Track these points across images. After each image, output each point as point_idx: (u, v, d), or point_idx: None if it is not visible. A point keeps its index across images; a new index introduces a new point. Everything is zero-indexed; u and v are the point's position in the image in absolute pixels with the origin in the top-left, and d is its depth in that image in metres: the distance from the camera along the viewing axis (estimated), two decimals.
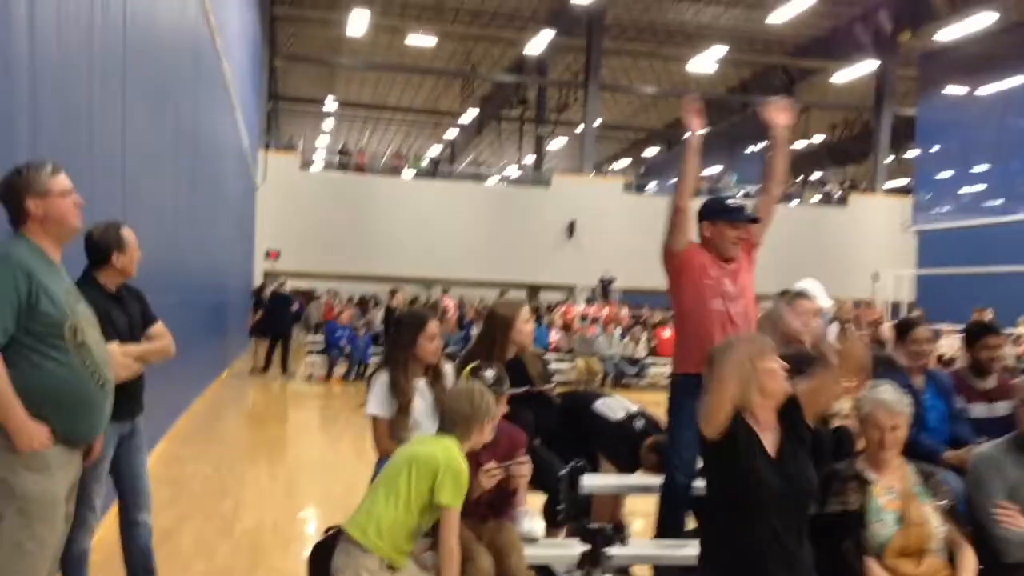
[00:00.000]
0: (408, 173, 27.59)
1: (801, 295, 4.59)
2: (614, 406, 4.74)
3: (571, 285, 25.34)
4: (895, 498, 3.24)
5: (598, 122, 27.48)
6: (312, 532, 5.73)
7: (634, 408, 4.75)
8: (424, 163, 29.90)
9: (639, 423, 4.64)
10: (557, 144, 33.75)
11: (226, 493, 6.99)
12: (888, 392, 3.33)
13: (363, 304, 19.58)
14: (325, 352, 15.65)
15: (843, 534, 3.19)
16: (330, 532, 3.47)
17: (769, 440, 3.07)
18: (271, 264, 23.76)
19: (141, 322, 3.92)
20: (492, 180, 29.60)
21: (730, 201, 4.23)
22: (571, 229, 25.26)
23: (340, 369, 15.47)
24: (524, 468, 3.69)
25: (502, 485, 3.65)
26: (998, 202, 24.54)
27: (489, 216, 25.39)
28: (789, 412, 3.12)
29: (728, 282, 4.08)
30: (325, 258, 24.09)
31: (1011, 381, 4.45)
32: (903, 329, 4.62)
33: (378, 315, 16.92)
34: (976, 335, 4.67)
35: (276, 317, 15.52)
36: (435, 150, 38.41)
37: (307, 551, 3.55)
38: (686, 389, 4.01)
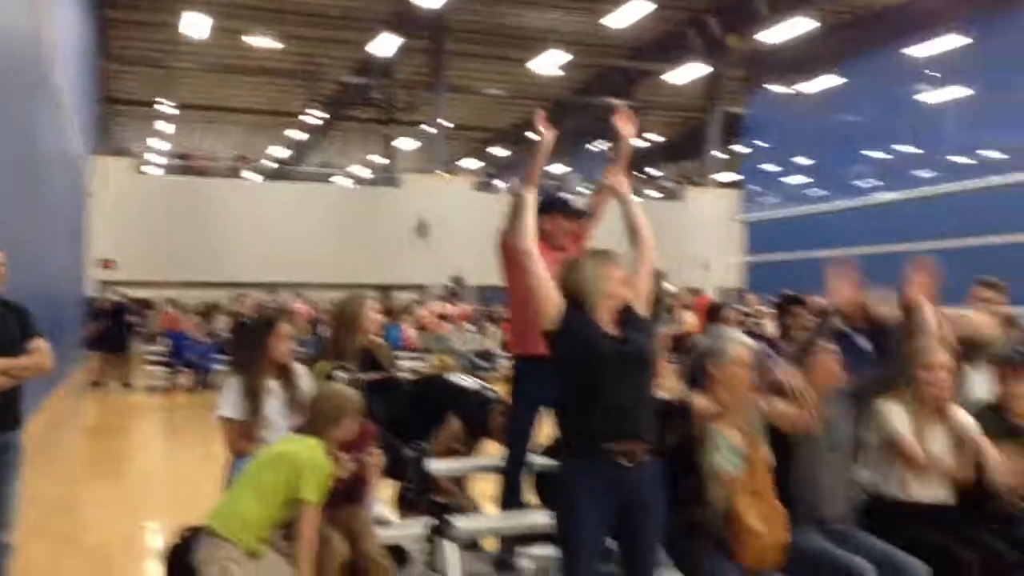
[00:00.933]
0: (252, 176, 26.98)
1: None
2: (466, 379, 5.13)
3: (423, 284, 25.45)
4: (738, 432, 3.47)
5: (447, 123, 27.70)
6: (162, 541, 5.68)
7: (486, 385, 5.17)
8: (268, 165, 29.28)
9: (491, 393, 5.06)
10: (406, 145, 33.76)
11: (72, 509, 6.80)
12: (738, 338, 3.64)
13: (207, 312, 19.07)
14: (168, 363, 15.21)
15: (684, 464, 3.41)
16: (187, 533, 3.55)
17: (609, 328, 3.26)
18: (108, 274, 22.74)
19: (20, 337, 3.92)
20: (340, 181, 29.32)
21: (566, 196, 4.55)
22: (422, 228, 25.36)
23: (184, 379, 15.07)
24: (375, 458, 3.89)
25: (356, 474, 3.84)
26: (819, 192, 26.29)
27: (338, 218, 25.17)
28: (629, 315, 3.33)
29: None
30: (165, 266, 23.23)
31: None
32: (713, 311, 5.10)
33: (222, 323, 16.57)
34: (786, 305, 5.20)
35: (114, 328, 14.99)
36: (280, 152, 37.63)
37: (157, 560, 3.61)
38: (525, 371, 4.31)
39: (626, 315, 3.31)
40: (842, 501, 3.77)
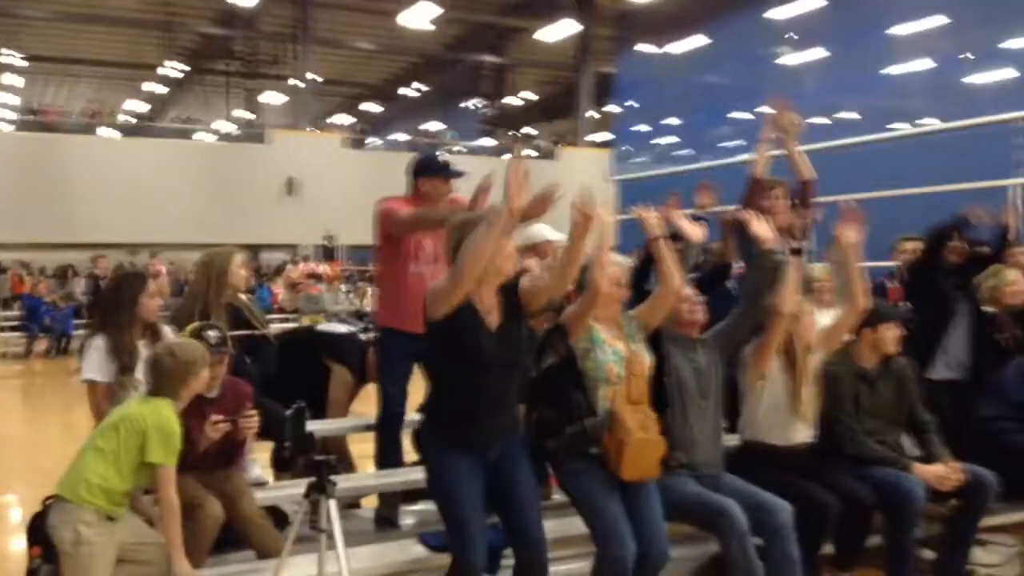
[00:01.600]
0: (106, 131, 25.64)
1: (549, 242, 4.96)
2: (337, 325, 5.06)
3: (294, 244, 24.88)
4: (615, 337, 3.57)
5: (314, 77, 26.98)
6: (22, 513, 5.42)
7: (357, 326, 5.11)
8: (125, 120, 27.86)
9: (363, 336, 5.07)
10: (272, 99, 32.76)
11: None
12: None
13: (63, 275, 18.14)
14: (24, 328, 14.43)
15: (566, 380, 3.50)
16: (49, 502, 3.40)
17: (491, 319, 3.30)
18: None
19: None
20: (202, 137, 28.21)
21: (445, 158, 4.48)
22: (291, 186, 24.73)
23: (41, 345, 14.34)
24: (251, 420, 3.79)
25: (230, 436, 3.74)
26: (687, 152, 27.00)
27: (202, 175, 24.22)
28: (511, 296, 3.36)
29: (428, 243, 4.34)
30: (16, 227, 21.86)
31: None
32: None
33: (79, 285, 15.81)
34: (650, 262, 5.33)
35: None
36: (137, 106, 35.84)
37: (19, 533, 3.46)
38: (393, 342, 4.30)
39: (508, 295, 3.35)
40: (713, 447, 3.91)
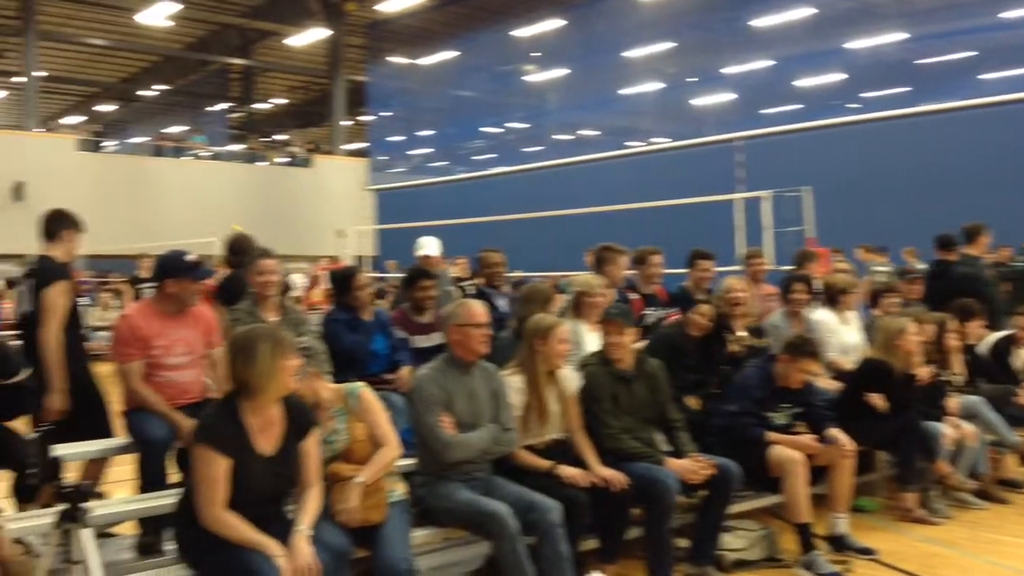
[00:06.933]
0: None
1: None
2: None
3: (24, 254, 22.69)
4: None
5: (41, 73, 24.82)
6: None
7: None
8: None
9: None
10: None
11: None
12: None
13: None
14: None
15: None
16: None
17: (268, 435, 3.23)
18: None
19: None
20: None
21: (191, 259, 4.29)
22: (18, 191, 22.57)
23: None
24: None
25: None
26: (442, 163, 27.41)
27: None
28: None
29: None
30: None
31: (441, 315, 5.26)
32: (345, 279, 5.24)
33: None
34: (413, 279, 5.45)
35: None
36: None
37: None
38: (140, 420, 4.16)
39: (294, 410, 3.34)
40: (481, 455, 4.04)
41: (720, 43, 21.01)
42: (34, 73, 24.01)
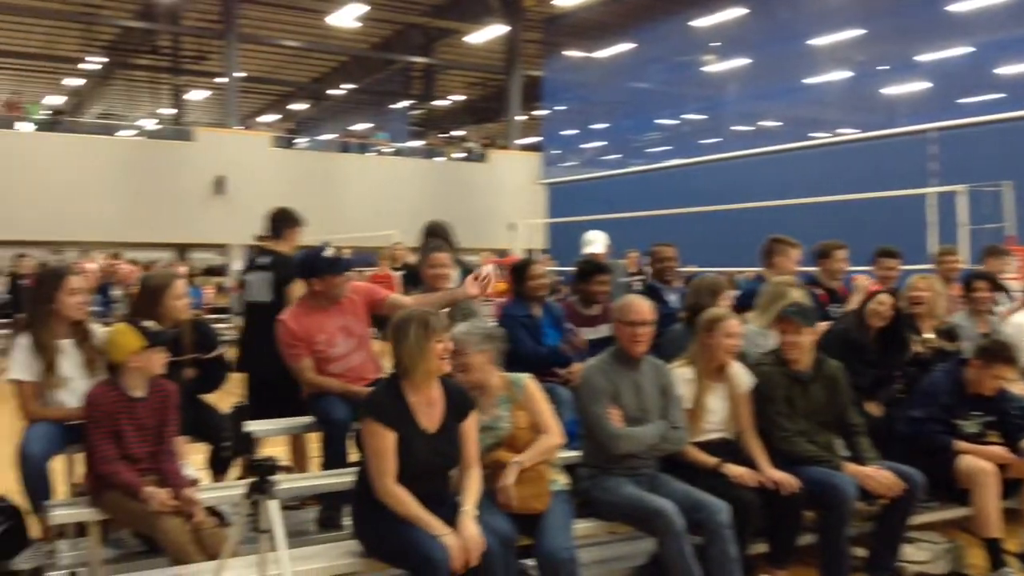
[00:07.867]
0: (25, 126, 24.78)
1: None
2: None
3: (224, 243, 24.40)
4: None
5: (241, 74, 26.52)
6: None
7: None
8: (43, 115, 26.90)
9: None
10: (198, 96, 32.08)
11: None
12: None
13: None
14: None
15: None
16: None
17: (430, 414, 3.40)
18: None
19: None
20: (126, 133, 27.48)
21: (331, 255, 4.50)
22: (220, 185, 24.26)
23: None
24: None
25: (161, 431, 3.77)
26: (616, 156, 27.25)
27: (127, 172, 23.57)
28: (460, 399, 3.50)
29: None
30: None
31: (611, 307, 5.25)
32: (521, 269, 5.30)
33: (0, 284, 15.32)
34: (589, 273, 5.46)
35: None
36: (55, 101, 34.71)
37: None
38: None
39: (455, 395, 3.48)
40: (649, 451, 4.03)
41: (914, 29, 19.79)
42: (235, 74, 25.65)
